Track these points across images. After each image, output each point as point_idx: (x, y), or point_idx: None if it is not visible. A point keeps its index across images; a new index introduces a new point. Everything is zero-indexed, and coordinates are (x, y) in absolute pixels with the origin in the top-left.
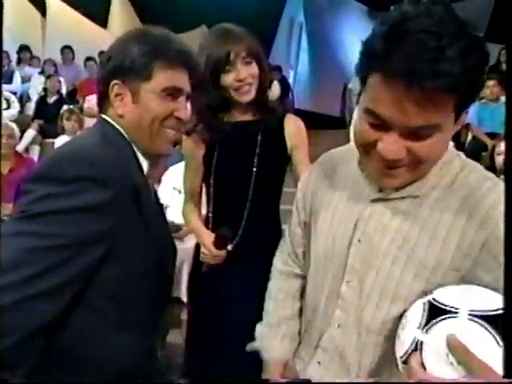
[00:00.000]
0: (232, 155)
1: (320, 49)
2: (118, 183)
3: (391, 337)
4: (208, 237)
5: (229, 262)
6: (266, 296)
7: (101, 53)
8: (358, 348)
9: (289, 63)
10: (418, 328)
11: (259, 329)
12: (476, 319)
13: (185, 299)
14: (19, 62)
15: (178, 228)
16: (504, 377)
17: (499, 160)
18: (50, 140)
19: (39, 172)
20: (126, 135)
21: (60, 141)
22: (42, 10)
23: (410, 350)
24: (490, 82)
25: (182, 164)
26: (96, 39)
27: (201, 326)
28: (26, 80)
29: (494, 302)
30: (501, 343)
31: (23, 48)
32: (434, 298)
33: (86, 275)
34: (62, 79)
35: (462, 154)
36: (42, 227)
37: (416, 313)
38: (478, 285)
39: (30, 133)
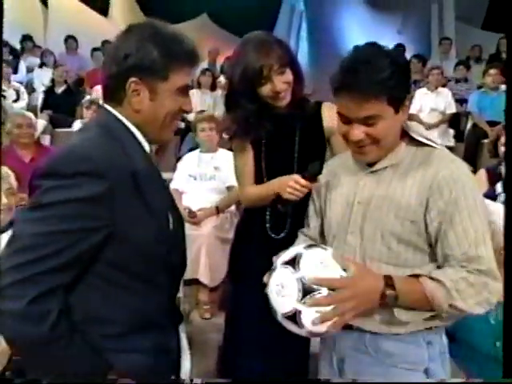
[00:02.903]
0: (277, 149)
1: (320, 37)
2: (114, 174)
3: (386, 262)
4: (293, 175)
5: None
6: None
7: (104, 42)
8: None
9: None
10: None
11: None
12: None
13: (203, 280)
14: (22, 51)
15: (194, 214)
16: (504, 377)
17: (502, 150)
18: (60, 130)
19: (46, 169)
20: (131, 126)
21: (76, 126)
22: (43, 0)
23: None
24: (492, 71)
25: (196, 152)
26: (97, 28)
27: (244, 308)
28: (29, 70)
29: (290, 252)
30: (296, 269)
31: (26, 38)
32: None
33: (91, 253)
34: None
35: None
36: (50, 215)
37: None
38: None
39: (41, 123)
